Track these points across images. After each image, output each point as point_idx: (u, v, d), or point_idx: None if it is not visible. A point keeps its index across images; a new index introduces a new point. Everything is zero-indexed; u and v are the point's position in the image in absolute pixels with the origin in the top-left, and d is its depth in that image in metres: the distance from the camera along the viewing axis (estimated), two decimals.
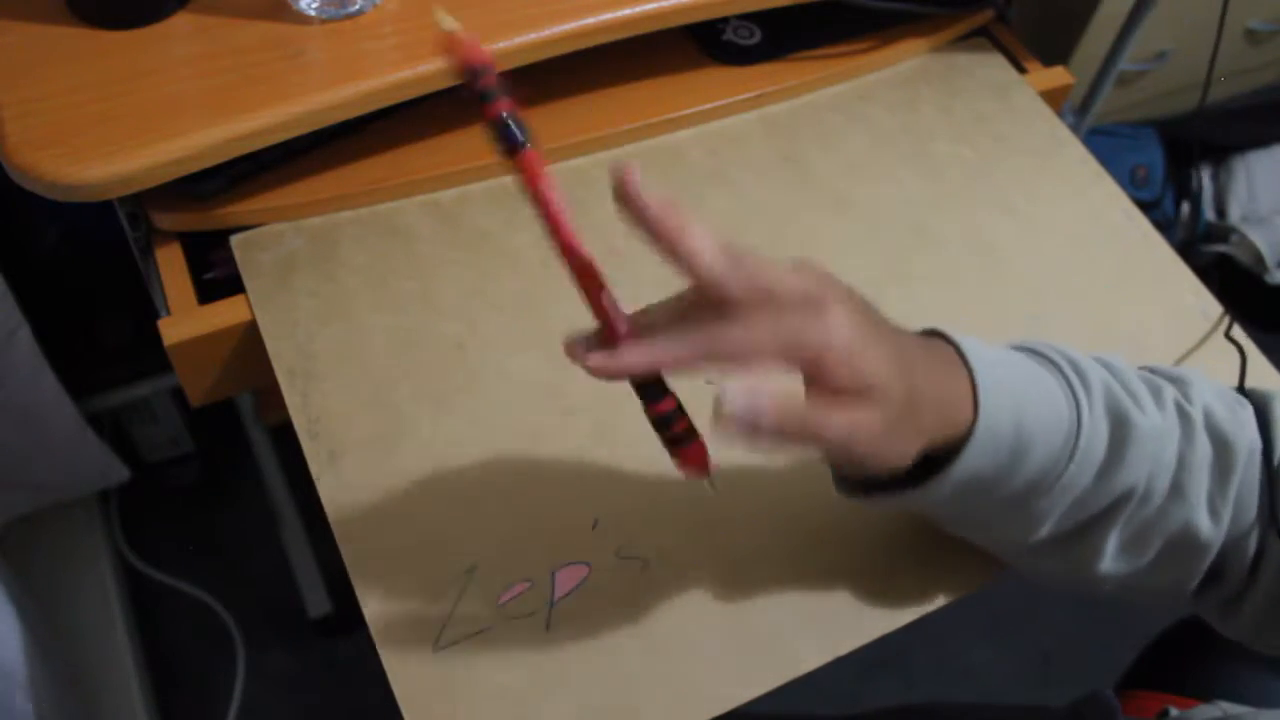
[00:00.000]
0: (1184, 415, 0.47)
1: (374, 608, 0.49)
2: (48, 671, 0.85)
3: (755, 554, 0.53)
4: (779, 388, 0.37)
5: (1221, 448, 0.46)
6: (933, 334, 0.45)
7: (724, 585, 0.52)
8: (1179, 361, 0.64)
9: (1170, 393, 0.47)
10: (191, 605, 1.22)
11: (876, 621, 0.52)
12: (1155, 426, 0.45)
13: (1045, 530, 0.45)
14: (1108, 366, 0.47)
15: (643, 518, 0.54)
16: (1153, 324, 0.65)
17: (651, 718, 0.48)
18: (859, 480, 0.46)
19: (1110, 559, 0.46)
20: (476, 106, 0.39)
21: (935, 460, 0.42)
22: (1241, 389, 0.50)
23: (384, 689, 0.47)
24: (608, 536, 0.53)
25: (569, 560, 0.52)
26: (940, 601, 0.53)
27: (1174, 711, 0.62)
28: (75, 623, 1.09)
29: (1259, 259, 1.54)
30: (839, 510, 0.55)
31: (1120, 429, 0.44)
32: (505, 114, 0.39)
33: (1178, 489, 0.45)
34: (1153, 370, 0.50)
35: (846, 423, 0.38)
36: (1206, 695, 0.64)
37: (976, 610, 1.15)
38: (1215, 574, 0.49)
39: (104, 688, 1.07)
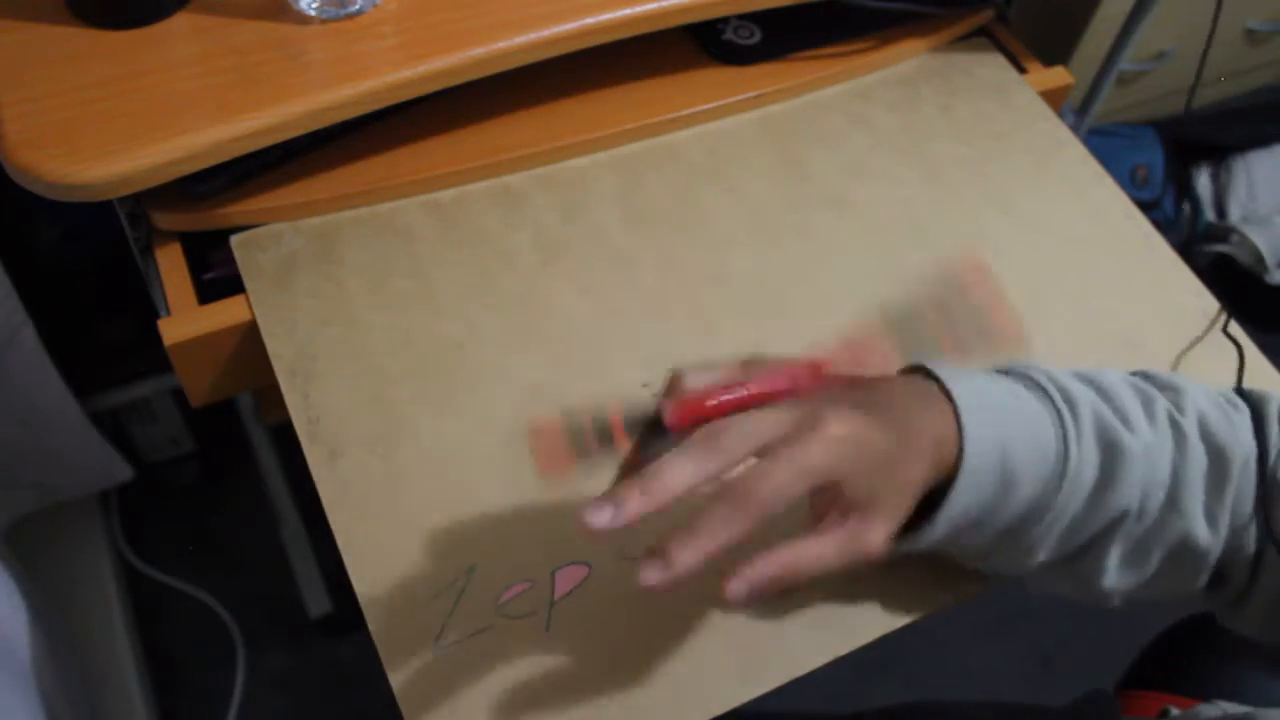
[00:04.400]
0: (1176, 427, 0.46)
1: (374, 608, 0.49)
2: (56, 665, 0.85)
3: (755, 554, 0.53)
4: (765, 559, 0.39)
5: (1216, 456, 0.46)
6: (915, 370, 0.46)
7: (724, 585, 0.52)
8: (1178, 358, 0.64)
9: (1163, 404, 0.47)
10: (191, 605, 1.22)
11: (876, 621, 0.52)
12: (1147, 445, 0.45)
13: (1043, 555, 0.46)
14: (1097, 386, 0.47)
15: (643, 518, 0.54)
16: (1152, 324, 0.65)
17: (651, 718, 0.48)
18: None
19: (1113, 574, 0.47)
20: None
21: (925, 500, 0.43)
22: (1239, 389, 0.50)
23: (384, 689, 0.47)
24: (607, 536, 0.53)
25: (569, 560, 0.52)
26: (941, 602, 0.53)
27: (1174, 711, 0.62)
28: (75, 623, 1.09)
29: (1259, 259, 1.53)
30: None
31: (1111, 453, 0.44)
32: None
33: (1173, 502, 0.45)
34: (1146, 376, 0.50)
35: (850, 545, 0.40)
36: (1206, 695, 0.64)
37: (976, 610, 1.15)
38: (1218, 576, 0.49)
39: (104, 687, 1.07)
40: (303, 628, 1.20)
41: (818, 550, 0.39)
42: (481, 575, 0.51)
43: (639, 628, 0.50)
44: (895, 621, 0.52)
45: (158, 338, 0.58)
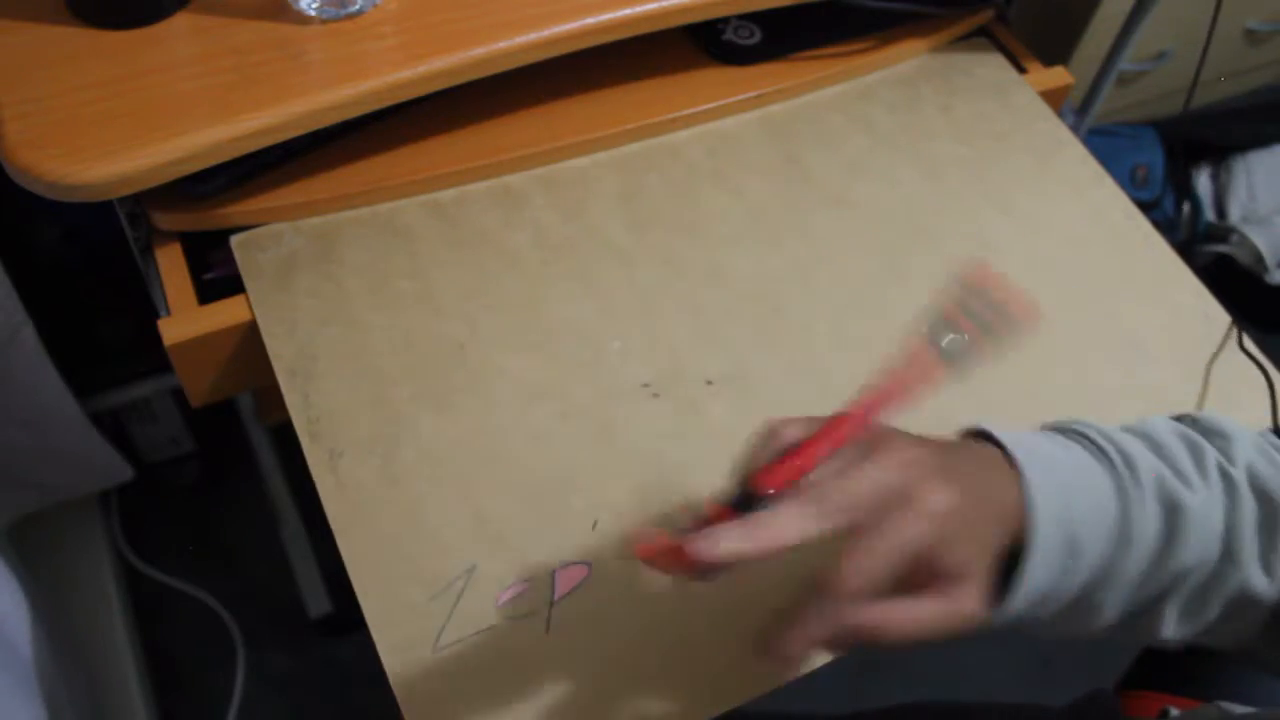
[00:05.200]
0: (1227, 478, 0.46)
1: (374, 608, 0.49)
2: (58, 664, 0.85)
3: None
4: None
5: (1267, 504, 0.46)
6: (974, 434, 0.46)
7: (724, 585, 0.52)
8: (1205, 373, 0.63)
9: (1212, 455, 0.47)
10: (191, 605, 1.22)
11: None
12: (1204, 501, 0.44)
13: (1109, 617, 0.45)
14: (1151, 442, 0.46)
15: (643, 518, 0.54)
16: (1153, 324, 0.65)
17: (652, 718, 0.48)
18: None
19: (1171, 627, 0.46)
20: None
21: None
22: (1277, 429, 0.50)
23: (384, 689, 0.47)
24: (608, 536, 0.53)
25: (569, 560, 0.52)
26: None
27: (1174, 711, 0.62)
28: (75, 623, 1.09)
29: (1259, 259, 1.53)
30: None
31: (1173, 512, 0.44)
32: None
33: (1229, 554, 0.45)
34: (1194, 420, 0.49)
35: (950, 610, 0.40)
36: (1206, 695, 0.64)
37: None
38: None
39: (104, 687, 1.07)
40: (303, 628, 1.20)
41: (915, 614, 0.39)
42: (481, 575, 0.51)
43: (639, 628, 0.50)
44: None
45: (158, 338, 0.58)
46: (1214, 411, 0.51)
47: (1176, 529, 0.44)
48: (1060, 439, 0.46)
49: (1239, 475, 0.46)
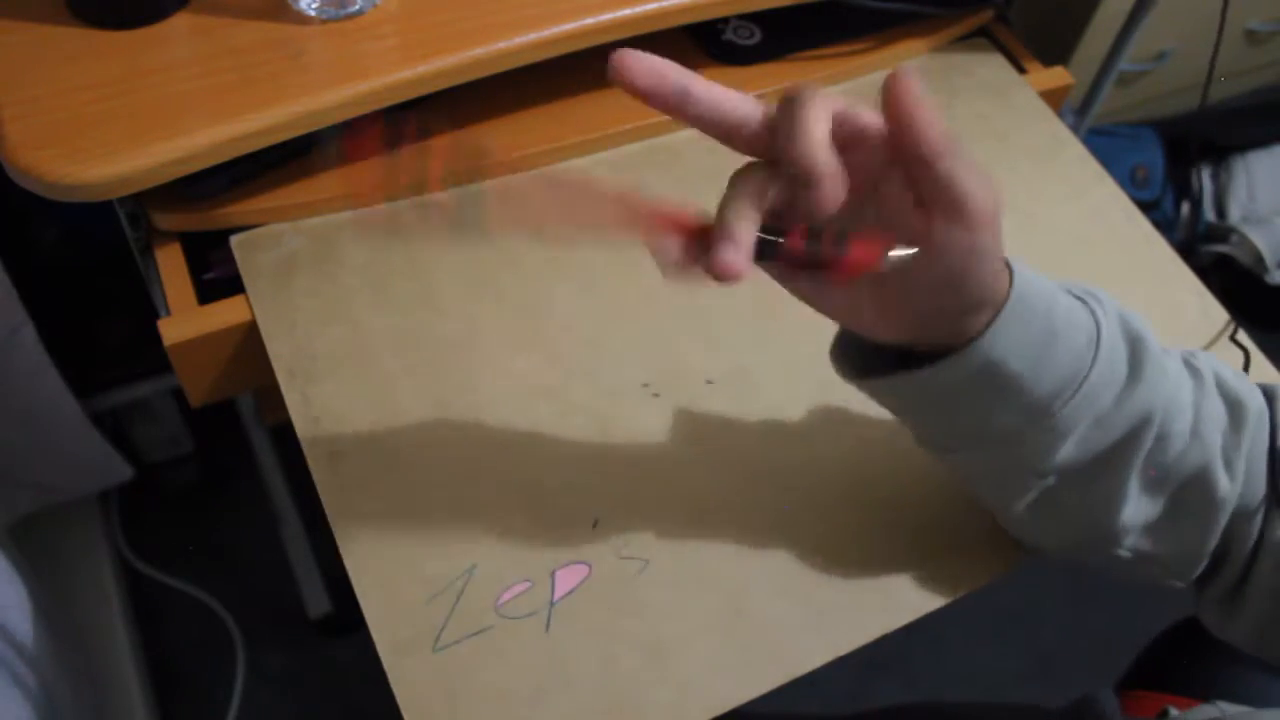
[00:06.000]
0: (1195, 371, 0.48)
1: (374, 608, 0.49)
2: (60, 664, 0.85)
3: (755, 554, 0.53)
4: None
5: (1234, 406, 0.47)
6: None
7: (724, 585, 0.52)
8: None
9: (1176, 351, 0.48)
10: (191, 605, 1.22)
11: (876, 621, 0.52)
12: (1168, 364, 0.45)
13: (1067, 450, 0.44)
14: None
15: (643, 518, 0.54)
16: (1152, 324, 0.65)
17: (651, 718, 0.48)
18: (864, 361, 0.46)
19: (1131, 502, 0.46)
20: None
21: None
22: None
23: (384, 689, 0.47)
24: (608, 536, 0.53)
25: (569, 560, 0.52)
26: (941, 601, 0.53)
27: (1174, 711, 0.62)
28: (75, 623, 1.09)
29: (1259, 259, 1.53)
30: (838, 511, 0.55)
31: (1137, 346, 0.44)
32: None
33: (1196, 433, 0.46)
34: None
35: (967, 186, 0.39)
36: (1206, 695, 0.64)
37: (976, 610, 1.15)
38: (1219, 561, 0.49)
39: (104, 687, 1.07)
40: (303, 628, 1.20)
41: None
42: (481, 575, 0.51)
43: (639, 628, 0.50)
44: (895, 621, 0.52)
45: (158, 338, 0.58)
46: None
47: (1141, 362, 0.44)
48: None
49: (1206, 375, 0.48)
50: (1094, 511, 0.47)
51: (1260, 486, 0.47)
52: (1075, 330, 0.43)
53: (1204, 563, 0.49)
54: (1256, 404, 0.48)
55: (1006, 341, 0.41)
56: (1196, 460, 0.46)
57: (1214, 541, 0.48)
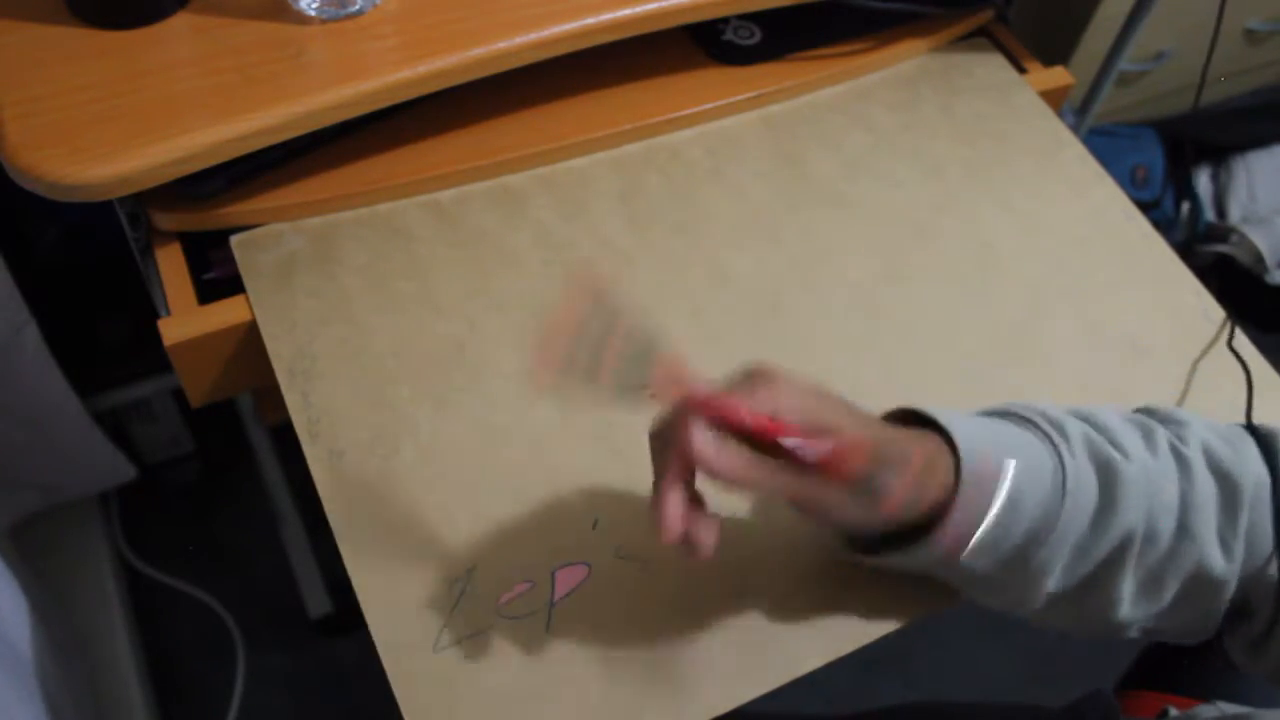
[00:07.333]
0: (1180, 455, 0.47)
1: (374, 608, 0.49)
2: (60, 664, 0.85)
3: (755, 554, 0.53)
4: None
5: (1225, 483, 0.46)
6: (894, 415, 0.47)
7: (724, 585, 0.52)
8: (1190, 371, 0.64)
9: (1163, 434, 0.48)
10: (191, 605, 1.22)
11: (876, 621, 0.52)
12: (1145, 468, 0.45)
13: (1052, 584, 0.46)
14: (1085, 418, 0.48)
15: (643, 518, 0.54)
16: (1152, 324, 0.65)
17: (651, 718, 0.48)
18: (868, 541, 0.49)
19: (1128, 604, 0.47)
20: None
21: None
22: (1248, 425, 0.50)
23: (384, 689, 0.47)
24: (608, 536, 0.53)
25: (569, 560, 0.52)
26: (942, 602, 0.53)
27: (1174, 711, 0.62)
28: (75, 623, 1.09)
29: (1259, 259, 1.53)
30: None
31: (1107, 473, 0.45)
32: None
33: (1185, 529, 0.46)
34: (1150, 412, 0.50)
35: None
36: (1206, 695, 0.64)
37: (976, 610, 1.15)
38: (1242, 611, 0.49)
39: (104, 687, 1.07)
40: (303, 628, 1.20)
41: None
42: (481, 575, 0.51)
43: (639, 628, 0.50)
44: (896, 621, 0.52)
45: (158, 338, 0.58)
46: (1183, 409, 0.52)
47: (1113, 490, 0.44)
48: (986, 415, 0.48)
49: (1193, 455, 0.47)
50: (1091, 621, 0.48)
51: (1266, 547, 0.47)
52: (1037, 481, 0.44)
53: (1216, 626, 0.49)
54: (1251, 476, 0.47)
55: (966, 519, 0.43)
56: (1188, 555, 0.46)
57: (1222, 610, 0.48)
